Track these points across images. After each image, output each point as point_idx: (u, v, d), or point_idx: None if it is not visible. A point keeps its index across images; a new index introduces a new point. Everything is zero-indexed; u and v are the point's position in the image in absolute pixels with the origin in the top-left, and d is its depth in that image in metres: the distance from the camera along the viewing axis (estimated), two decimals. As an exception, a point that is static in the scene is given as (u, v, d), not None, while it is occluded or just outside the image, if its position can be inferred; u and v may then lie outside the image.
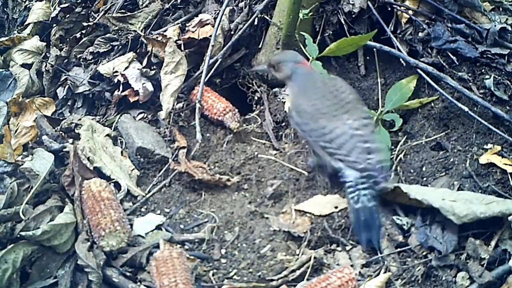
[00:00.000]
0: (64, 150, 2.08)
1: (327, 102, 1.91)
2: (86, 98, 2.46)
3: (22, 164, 1.93)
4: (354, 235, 1.85)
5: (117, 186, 2.00)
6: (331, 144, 1.86)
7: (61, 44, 2.70)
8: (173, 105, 2.24)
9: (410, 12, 2.35)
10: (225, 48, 2.34)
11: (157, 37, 2.36)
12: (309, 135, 1.93)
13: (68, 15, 2.77)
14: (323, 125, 1.88)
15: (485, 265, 1.68)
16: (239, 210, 1.95)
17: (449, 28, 2.28)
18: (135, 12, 2.61)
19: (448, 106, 2.18)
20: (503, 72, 2.18)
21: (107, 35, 2.57)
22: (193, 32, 2.42)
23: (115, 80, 2.35)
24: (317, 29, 2.37)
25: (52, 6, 2.96)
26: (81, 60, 2.57)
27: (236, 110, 2.27)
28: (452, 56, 2.23)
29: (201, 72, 2.28)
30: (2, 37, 3.01)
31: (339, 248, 1.83)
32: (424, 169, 2.06)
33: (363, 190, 1.76)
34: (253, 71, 2.41)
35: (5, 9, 3.40)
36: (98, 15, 2.75)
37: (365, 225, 1.75)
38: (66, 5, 2.81)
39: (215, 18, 2.41)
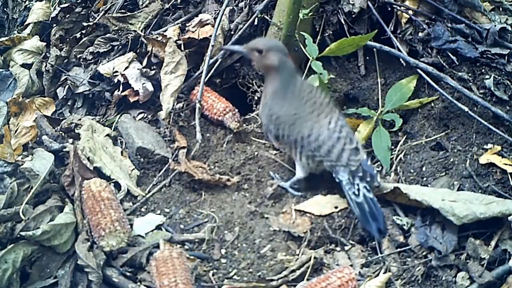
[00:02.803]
0: (64, 150, 2.08)
1: (308, 109, 1.89)
2: (86, 98, 2.46)
3: (22, 164, 1.93)
4: (354, 235, 1.85)
5: (117, 186, 2.00)
6: (319, 152, 1.86)
7: (61, 44, 2.69)
8: (173, 105, 2.24)
9: (410, 12, 2.35)
10: (225, 48, 2.34)
11: (157, 37, 2.36)
12: (292, 147, 1.91)
13: (68, 15, 2.77)
14: (307, 133, 1.87)
15: (485, 265, 1.68)
16: (239, 210, 1.95)
17: (449, 28, 2.28)
18: (135, 12, 2.61)
19: (448, 106, 2.18)
20: (503, 72, 2.18)
21: (107, 35, 2.57)
22: (193, 32, 2.42)
23: (115, 80, 2.35)
24: (317, 29, 2.37)
25: (52, 6, 2.96)
26: (81, 60, 2.57)
27: (236, 110, 2.27)
28: (452, 56, 2.23)
29: (201, 72, 2.28)
30: (2, 37, 3.01)
31: (338, 248, 1.83)
32: (424, 169, 2.06)
33: (361, 183, 1.82)
34: (226, 49, 2.27)
35: (5, 9, 3.39)
36: (98, 15, 2.75)
37: (372, 215, 1.79)
38: (66, 5, 2.81)
39: (215, 18, 2.41)
